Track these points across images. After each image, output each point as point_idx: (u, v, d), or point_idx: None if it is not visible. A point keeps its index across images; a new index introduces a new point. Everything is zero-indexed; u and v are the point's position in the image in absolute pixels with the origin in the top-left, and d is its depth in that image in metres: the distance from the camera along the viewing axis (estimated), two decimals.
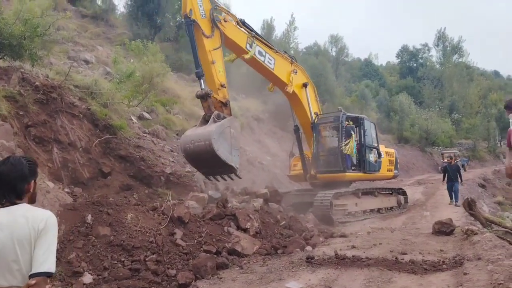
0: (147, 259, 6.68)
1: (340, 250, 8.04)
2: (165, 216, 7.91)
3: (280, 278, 6.41)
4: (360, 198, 13.67)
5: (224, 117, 10.17)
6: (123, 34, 24.81)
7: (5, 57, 8.49)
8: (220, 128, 9.65)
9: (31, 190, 2.52)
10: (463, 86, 56.20)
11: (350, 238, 9.83)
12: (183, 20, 10.47)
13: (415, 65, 63.41)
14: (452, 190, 15.48)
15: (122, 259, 6.59)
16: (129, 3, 26.92)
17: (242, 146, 18.44)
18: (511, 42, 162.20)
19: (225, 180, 10.58)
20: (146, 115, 13.85)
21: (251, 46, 11.65)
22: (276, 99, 24.18)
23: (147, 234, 7.20)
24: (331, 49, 59.98)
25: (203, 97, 10.12)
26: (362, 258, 7.36)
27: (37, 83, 9.27)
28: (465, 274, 5.86)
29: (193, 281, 6.57)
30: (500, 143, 55.11)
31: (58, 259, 6.31)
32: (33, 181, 2.53)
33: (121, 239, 6.87)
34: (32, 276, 2.28)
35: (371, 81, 55.97)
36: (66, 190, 8.26)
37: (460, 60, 61.87)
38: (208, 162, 9.58)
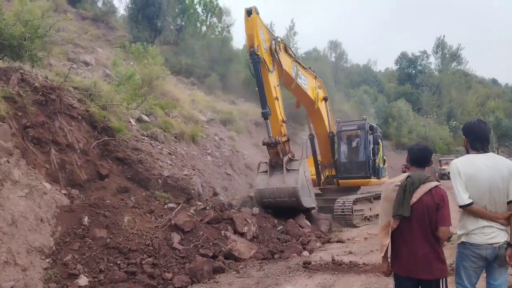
0: (143, 262, 6.67)
1: (337, 255, 8.04)
2: (162, 219, 7.89)
3: (276, 283, 6.41)
4: (373, 202, 14.06)
5: (292, 159, 10.46)
6: (123, 36, 24.83)
7: (4, 58, 8.47)
8: (301, 180, 10.03)
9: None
10: (461, 94, 56.44)
11: (347, 243, 9.82)
12: (249, 57, 9.99)
13: (413, 71, 63.42)
14: None
15: (118, 262, 6.57)
16: (129, 5, 26.97)
17: (240, 150, 18.50)
18: (509, 51, 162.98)
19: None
20: (145, 117, 13.82)
21: (293, 70, 11.69)
22: None
23: (144, 237, 7.19)
24: (330, 55, 60.39)
25: (272, 145, 10.13)
26: (359, 264, 7.36)
27: (36, 84, 9.25)
28: None
29: (189, 285, 6.57)
30: (497, 151, 55.22)
31: (54, 260, 6.28)
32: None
33: (117, 242, 6.86)
34: (510, 202, 3.35)
35: (370, 87, 56.08)
36: (63, 191, 8.22)
37: (459, 67, 62.12)
38: (289, 210, 10.24)
